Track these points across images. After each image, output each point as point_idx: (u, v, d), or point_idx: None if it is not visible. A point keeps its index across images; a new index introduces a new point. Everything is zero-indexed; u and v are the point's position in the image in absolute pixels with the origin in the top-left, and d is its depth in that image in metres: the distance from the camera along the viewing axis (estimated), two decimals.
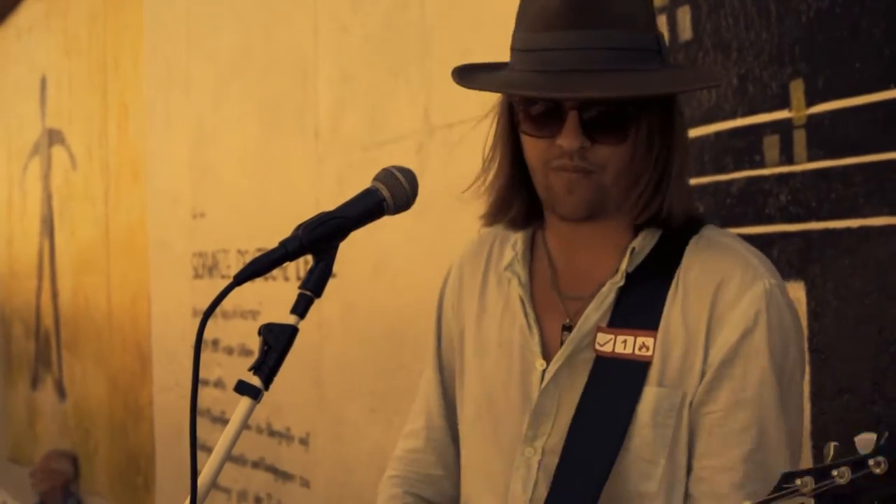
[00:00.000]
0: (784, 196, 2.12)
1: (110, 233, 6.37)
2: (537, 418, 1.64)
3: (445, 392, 1.87)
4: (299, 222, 1.48)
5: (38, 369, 8.02)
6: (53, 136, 7.56)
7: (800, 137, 2.10)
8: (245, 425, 1.42)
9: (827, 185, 2.04)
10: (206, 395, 4.88)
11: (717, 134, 2.26)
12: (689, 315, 1.58)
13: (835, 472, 1.13)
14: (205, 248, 5.01)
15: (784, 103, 2.13)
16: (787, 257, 2.12)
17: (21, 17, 8.38)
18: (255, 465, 4.55)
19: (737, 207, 2.21)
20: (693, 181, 2.31)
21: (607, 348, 1.60)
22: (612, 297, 1.62)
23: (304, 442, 4.18)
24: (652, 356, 1.57)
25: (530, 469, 1.64)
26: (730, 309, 1.55)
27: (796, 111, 2.10)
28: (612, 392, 1.59)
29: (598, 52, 1.52)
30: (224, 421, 4.80)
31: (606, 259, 1.66)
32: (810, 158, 2.08)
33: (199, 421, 4.89)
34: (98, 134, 6.57)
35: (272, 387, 1.44)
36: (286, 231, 1.48)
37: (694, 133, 2.32)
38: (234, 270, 4.83)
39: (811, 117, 2.08)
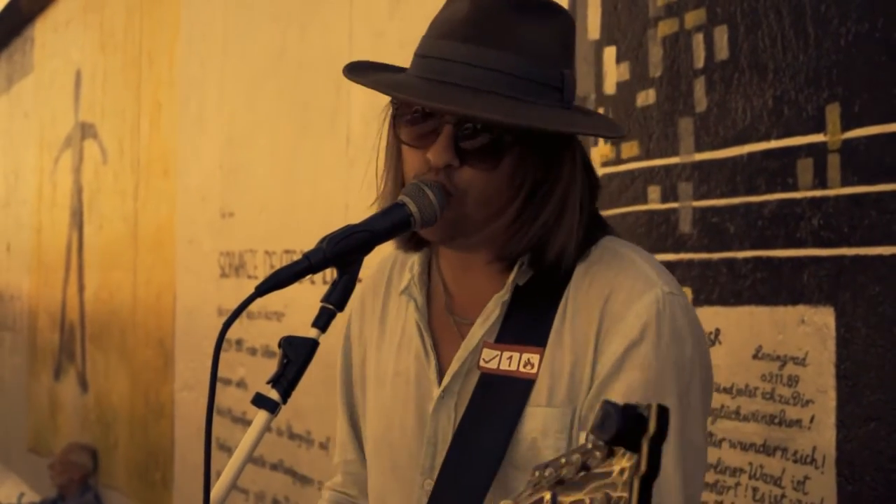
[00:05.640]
0: (816, 220, 2.11)
1: (138, 229, 6.39)
2: (433, 446, 1.58)
3: (354, 424, 1.83)
4: (328, 225, 1.46)
5: (61, 360, 8.04)
6: (86, 130, 7.59)
7: (834, 162, 2.08)
8: (262, 438, 1.40)
9: (860, 210, 2.02)
10: (228, 395, 4.88)
11: (750, 155, 2.25)
12: (577, 332, 1.50)
13: (563, 461, 0.93)
14: (232, 247, 5.02)
15: (819, 127, 2.11)
16: (817, 282, 2.10)
17: (58, 11, 8.43)
18: (274, 467, 4.54)
19: (768, 230, 2.20)
20: (724, 201, 2.29)
21: (492, 365, 1.54)
22: (497, 312, 1.56)
23: (323, 446, 4.17)
24: (536, 373, 1.50)
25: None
26: (617, 321, 1.48)
27: (831, 135, 2.09)
28: (494, 410, 1.52)
29: (490, 72, 1.46)
30: (245, 422, 4.80)
31: (500, 278, 1.58)
32: (844, 183, 2.06)
33: (221, 420, 4.90)
34: (130, 130, 6.60)
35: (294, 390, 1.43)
36: (314, 234, 1.46)
37: (726, 153, 2.30)
38: (260, 271, 4.84)
39: (846, 142, 2.06)
